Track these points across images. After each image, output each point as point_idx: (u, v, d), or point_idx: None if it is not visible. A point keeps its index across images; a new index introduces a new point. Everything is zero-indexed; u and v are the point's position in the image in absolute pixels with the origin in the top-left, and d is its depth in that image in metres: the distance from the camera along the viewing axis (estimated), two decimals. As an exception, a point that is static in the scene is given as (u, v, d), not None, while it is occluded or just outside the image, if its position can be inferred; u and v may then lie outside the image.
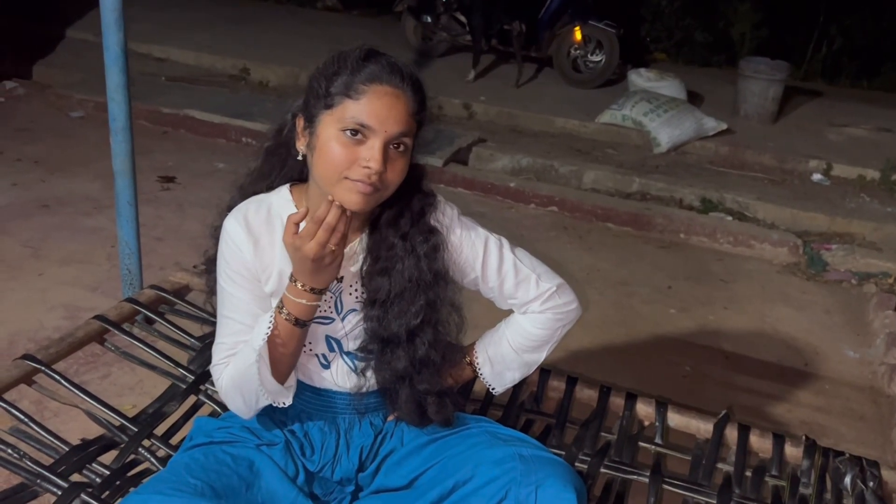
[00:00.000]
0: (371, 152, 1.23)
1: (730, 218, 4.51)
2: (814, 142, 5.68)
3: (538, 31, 6.33)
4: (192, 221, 3.75)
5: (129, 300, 1.97)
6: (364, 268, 1.37)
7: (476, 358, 1.57)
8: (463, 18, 6.51)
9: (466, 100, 5.93)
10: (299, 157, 1.32)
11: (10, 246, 3.40)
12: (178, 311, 2.04)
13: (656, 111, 5.48)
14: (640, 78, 6.08)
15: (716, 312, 3.51)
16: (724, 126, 5.54)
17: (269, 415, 1.47)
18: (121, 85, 2.51)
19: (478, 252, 1.44)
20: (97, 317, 1.86)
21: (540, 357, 1.56)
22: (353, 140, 1.23)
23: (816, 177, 5.20)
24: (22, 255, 3.33)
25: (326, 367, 1.43)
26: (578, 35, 6.30)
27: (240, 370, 1.32)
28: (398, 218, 1.36)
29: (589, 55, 6.45)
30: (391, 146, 1.25)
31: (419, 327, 1.38)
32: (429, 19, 6.69)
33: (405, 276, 1.35)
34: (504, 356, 1.55)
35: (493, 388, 1.60)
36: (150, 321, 2.03)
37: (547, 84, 6.55)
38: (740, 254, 4.18)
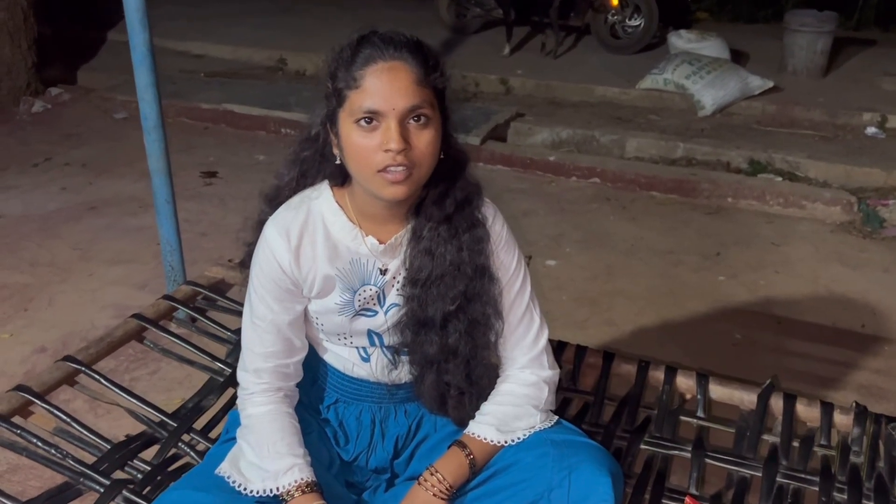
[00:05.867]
0: (388, 134, 1.19)
1: (779, 178, 4.37)
2: (867, 93, 5.46)
3: (574, -2, 6.22)
4: (234, 215, 3.80)
5: (166, 297, 2.00)
6: (408, 250, 1.35)
7: (474, 434, 1.37)
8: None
9: (503, 75, 5.86)
10: (337, 162, 1.30)
11: (60, 249, 3.50)
12: (216, 305, 2.06)
13: (699, 73, 5.33)
14: (680, 40, 5.92)
15: (767, 277, 3.41)
16: (770, 84, 5.36)
17: (304, 404, 1.47)
18: (150, 84, 2.53)
19: (508, 265, 1.40)
20: (135, 315, 1.90)
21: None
22: (369, 128, 1.20)
23: (871, 130, 4.99)
24: (72, 258, 3.43)
25: (366, 360, 1.42)
26: (615, 0, 6.16)
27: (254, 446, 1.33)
28: (443, 199, 1.32)
29: (627, 20, 6.30)
30: (410, 120, 1.21)
31: (454, 314, 1.35)
32: (461, -5, 6.63)
33: (447, 259, 1.33)
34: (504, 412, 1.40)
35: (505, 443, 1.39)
36: (190, 317, 2.06)
37: (585, 52, 6.44)
38: (791, 215, 4.05)
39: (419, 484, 1.32)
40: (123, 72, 5.64)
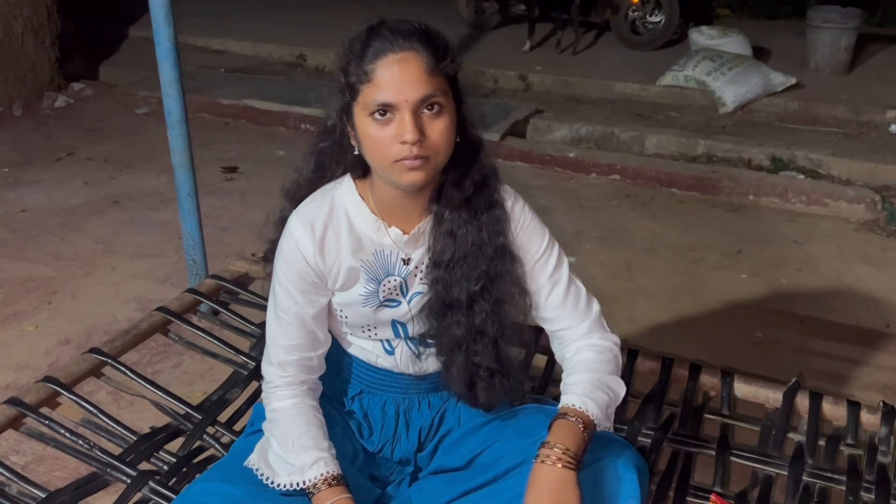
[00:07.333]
0: (402, 125, 1.19)
1: (802, 176, 4.33)
2: (891, 90, 5.39)
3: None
4: (255, 210, 3.81)
5: (190, 291, 2.01)
6: (431, 236, 1.35)
7: (574, 405, 1.32)
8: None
9: (522, 71, 5.85)
10: (356, 153, 1.30)
11: (84, 243, 3.53)
12: (240, 299, 2.07)
13: (720, 69, 5.29)
14: (701, 36, 5.88)
15: (789, 275, 3.39)
16: (792, 80, 5.31)
17: (328, 397, 1.48)
18: (174, 79, 2.54)
19: (534, 244, 1.40)
20: (160, 308, 1.91)
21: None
22: (384, 120, 1.21)
23: (895, 128, 4.93)
24: (95, 252, 3.46)
25: (391, 352, 1.43)
26: (636, -4, 6.14)
27: (280, 440, 1.33)
28: (461, 181, 1.33)
29: (647, 16, 6.27)
30: (424, 110, 1.21)
31: (479, 294, 1.36)
32: (480, -9, 6.63)
33: (468, 240, 1.34)
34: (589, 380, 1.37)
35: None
36: (213, 311, 2.07)
37: (605, 49, 6.41)
38: (814, 213, 4.01)
39: (541, 462, 1.22)
40: (145, 67, 5.72)
